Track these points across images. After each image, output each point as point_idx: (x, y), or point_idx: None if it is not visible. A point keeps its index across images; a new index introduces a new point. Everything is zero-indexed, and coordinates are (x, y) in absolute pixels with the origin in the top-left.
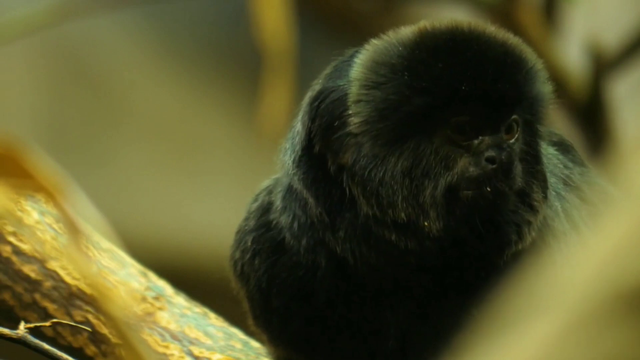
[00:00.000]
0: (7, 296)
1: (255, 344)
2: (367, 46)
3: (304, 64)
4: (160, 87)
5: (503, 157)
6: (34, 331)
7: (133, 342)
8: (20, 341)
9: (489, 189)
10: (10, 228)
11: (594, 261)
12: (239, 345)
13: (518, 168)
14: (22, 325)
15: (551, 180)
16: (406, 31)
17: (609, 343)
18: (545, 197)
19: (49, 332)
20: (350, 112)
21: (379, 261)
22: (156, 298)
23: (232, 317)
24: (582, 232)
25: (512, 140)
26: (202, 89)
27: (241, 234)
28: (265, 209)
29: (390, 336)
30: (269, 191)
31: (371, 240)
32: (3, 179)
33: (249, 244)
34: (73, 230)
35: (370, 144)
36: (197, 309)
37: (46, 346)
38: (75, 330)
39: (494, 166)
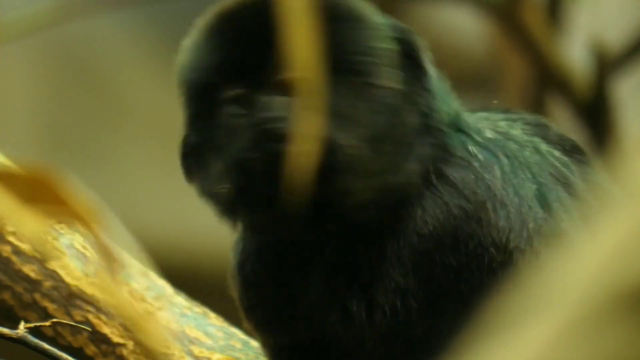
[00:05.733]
0: (7, 296)
1: (255, 343)
2: None
3: None
4: (160, 87)
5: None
6: (34, 331)
7: None
8: (20, 341)
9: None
10: (10, 228)
11: (595, 261)
12: (239, 345)
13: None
14: (22, 325)
15: (551, 183)
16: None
17: (609, 343)
18: (373, 143)
19: (49, 332)
20: None
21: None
22: (156, 298)
23: (232, 317)
24: (582, 233)
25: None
26: None
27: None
28: None
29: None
30: None
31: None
32: (37, 205)
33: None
34: (108, 258)
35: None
36: (197, 309)
37: (46, 346)
38: (75, 330)
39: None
